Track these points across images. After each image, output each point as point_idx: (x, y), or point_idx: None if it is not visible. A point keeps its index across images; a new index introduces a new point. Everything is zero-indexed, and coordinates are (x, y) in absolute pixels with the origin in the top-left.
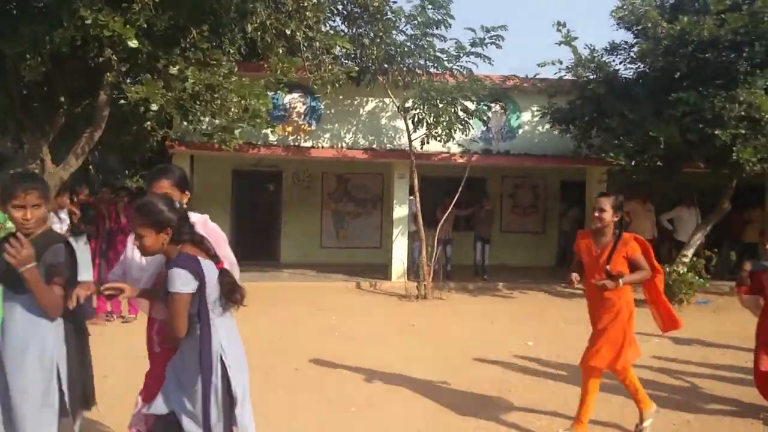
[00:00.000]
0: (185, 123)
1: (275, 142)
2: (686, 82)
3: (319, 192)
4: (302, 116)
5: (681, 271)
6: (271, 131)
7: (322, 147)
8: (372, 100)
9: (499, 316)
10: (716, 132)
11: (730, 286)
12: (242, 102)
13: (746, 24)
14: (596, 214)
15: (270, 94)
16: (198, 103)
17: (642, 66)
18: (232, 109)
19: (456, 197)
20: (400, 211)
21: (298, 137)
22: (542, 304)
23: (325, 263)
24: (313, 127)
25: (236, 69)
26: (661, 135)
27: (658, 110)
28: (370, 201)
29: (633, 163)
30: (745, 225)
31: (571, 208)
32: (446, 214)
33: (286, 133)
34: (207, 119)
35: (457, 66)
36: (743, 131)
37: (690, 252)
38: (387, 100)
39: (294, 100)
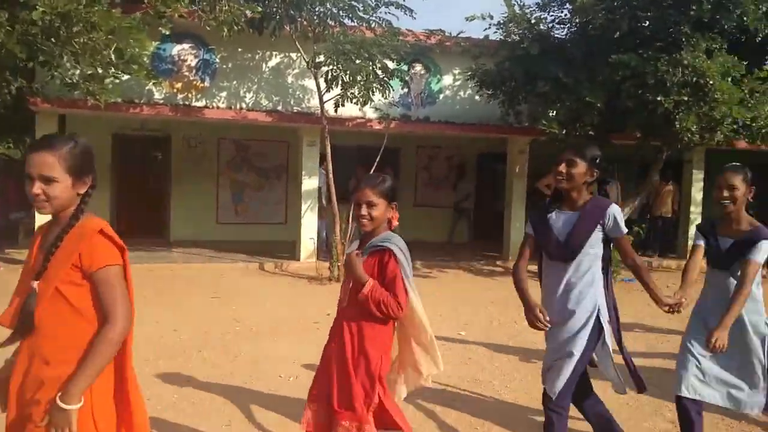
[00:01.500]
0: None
1: (161, 101)
2: (626, 43)
3: (215, 160)
4: (194, 71)
5: None
6: (156, 87)
7: (218, 107)
8: (277, 55)
9: (422, 299)
10: (658, 98)
11: (649, 261)
12: (113, 42)
13: None
14: (725, 193)
15: (155, 44)
16: (53, 41)
17: (577, 24)
18: (103, 52)
19: (373, 168)
20: (310, 183)
21: (189, 96)
22: (464, 284)
23: (222, 241)
24: (206, 84)
25: None
26: (597, 101)
27: (595, 74)
28: (274, 171)
29: (564, 132)
30: (655, 199)
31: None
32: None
33: (175, 91)
34: (69, 65)
35: (375, 18)
36: (686, 98)
37: None
38: (294, 55)
39: (184, 52)
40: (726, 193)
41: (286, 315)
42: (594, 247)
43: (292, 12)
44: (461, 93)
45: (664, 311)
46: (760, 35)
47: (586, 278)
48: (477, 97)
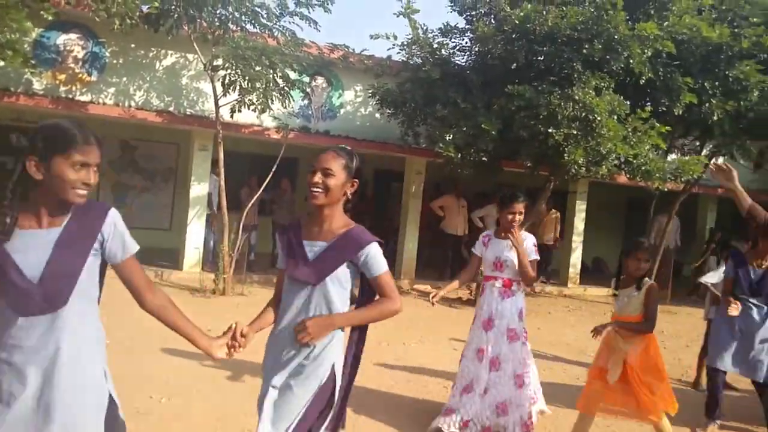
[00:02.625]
0: None
1: (41, 92)
2: (522, 74)
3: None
4: (80, 63)
5: None
6: (35, 76)
7: (105, 104)
8: (172, 54)
9: None
10: (550, 130)
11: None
12: None
13: (587, 20)
14: None
15: (38, 30)
16: None
17: (477, 52)
18: None
19: (268, 178)
20: (199, 189)
21: (73, 89)
22: None
23: None
24: (93, 78)
25: None
26: (492, 128)
27: (492, 102)
28: (161, 174)
29: (459, 156)
30: (540, 226)
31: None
32: (255, 197)
33: (57, 83)
34: None
35: (278, 26)
36: (575, 132)
37: None
38: (191, 56)
39: (70, 42)
40: None
41: (162, 330)
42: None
43: (191, 11)
44: (362, 109)
45: None
46: (644, 78)
47: None
48: (377, 115)
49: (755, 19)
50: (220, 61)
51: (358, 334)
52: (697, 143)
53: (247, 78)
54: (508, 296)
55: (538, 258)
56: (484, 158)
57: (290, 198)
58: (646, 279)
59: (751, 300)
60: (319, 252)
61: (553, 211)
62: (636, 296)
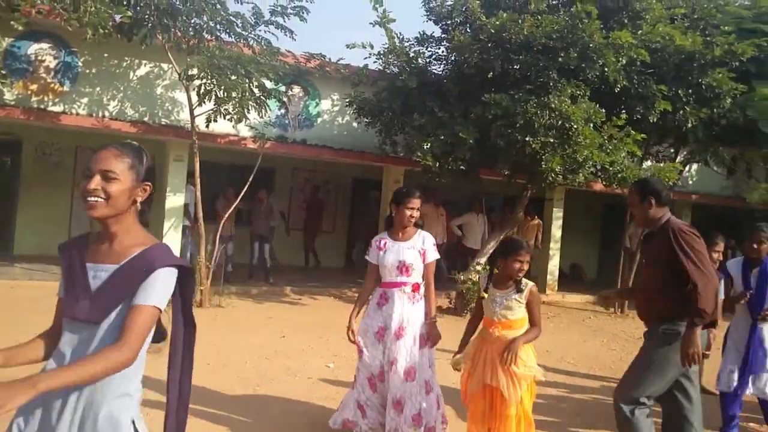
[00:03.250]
0: None
1: (12, 102)
2: (499, 83)
3: (71, 170)
4: (52, 73)
5: (474, 280)
6: (6, 87)
7: (78, 114)
8: (147, 64)
9: (290, 327)
10: (527, 139)
11: None
12: None
13: (562, 29)
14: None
15: (8, 40)
16: None
17: (453, 61)
18: None
19: (245, 189)
20: (175, 200)
21: (46, 99)
22: (335, 312)
23: None
24: (66, 88)
25: None
26: (470, 137)
27: (469, 111)
28: None
29: (437, 165)
30: (520, 233)
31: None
32: (232, 208)
33: (29, 93)
34: None
35: (253, 35)
36: (552, 140)
37: (483, 260)
38: (166, 66)
39: (42, 52)
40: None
41: None
42: None
43: (165, 21)
44: (339, 118)
45: None
46: (619, 86)
47: None
48: (355, 124)
49: (727, 28)
50: (195, 71)
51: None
52: (672, 150)
53: (222, 87)
54: (417, 301)
55: (438, 257)
56: (461, 167)
57: (268, 208)
58: (526, 280)
59: None
60: (104, 279)
61: (536, 218)
62: (517, 299)
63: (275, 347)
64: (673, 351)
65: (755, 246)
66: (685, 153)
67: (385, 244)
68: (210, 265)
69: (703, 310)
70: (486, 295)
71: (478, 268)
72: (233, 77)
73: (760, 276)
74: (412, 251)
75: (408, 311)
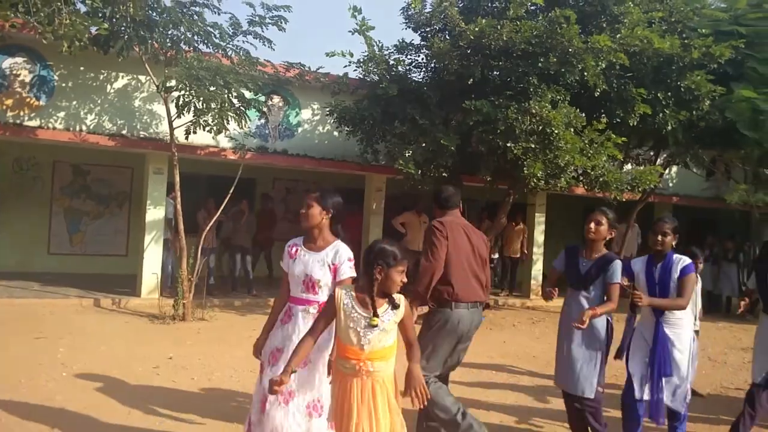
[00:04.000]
0: None
1: None
2: (479, 89)
3: (49, 184)
4: (28, 87)
5: None
6: None
7: (55, 128)
8: (124, 76)
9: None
10: (508, 144)
11: (496, 300)
12: None
13: (541, 34)
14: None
15: None
16: None
17: (433, 68)
18: None
19: (226, 200)
20: (155, 213)
21: (21, 114)
22: None
23: (55, 273)
24: (42, 103)
25: None
26: (451, 144)
27: (450, 118)
28: (116, 199)
29: (420, 173)
30: (505, 239)
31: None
32: (213, 220)
33: (4, 108)
34: None
35: (232, 46)
36: (533, 145)
37: None
38: (143, 78)
39: (16, 66)
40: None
41: (123, 359)
42: None
43: (142, 32)
44: (320, 128)
45: None
46: (598, 90)
47: None
48: (336, 133)
49: (704, 30)
50: (173, 82)
51: None
52: (652, 153)
53: (201, 98)
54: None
55: (354, 274)
56: (444, 174)
57: (249, 219)
58: (399, 295)
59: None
60: None
61: (520, 223)
62: (393, 319)
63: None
64: (434, 333)
65: (659, 238)
66: (664, 155)
67: (296, 251)
68: (192, 278)
69: (415, 290)
70: (377, 321)
71: None
72: (212, 88)
73: (663, 271)
74: (321, 265)
75: (302, 332)
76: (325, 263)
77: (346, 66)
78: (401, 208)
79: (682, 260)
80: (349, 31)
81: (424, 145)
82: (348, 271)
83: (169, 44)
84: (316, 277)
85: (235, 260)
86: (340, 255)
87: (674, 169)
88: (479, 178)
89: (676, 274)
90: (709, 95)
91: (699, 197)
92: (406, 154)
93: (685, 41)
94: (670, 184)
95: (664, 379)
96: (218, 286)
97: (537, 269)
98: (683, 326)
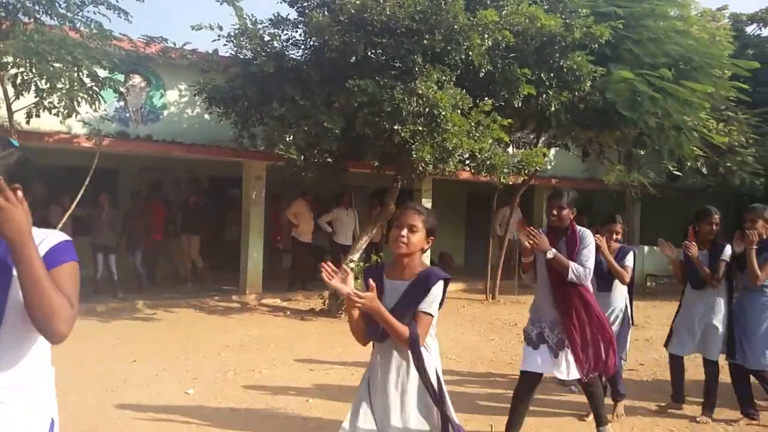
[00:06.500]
0: None
1: None
2: (363, 68)
3: None
4: None
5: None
6: None
7: None
8: None
9: (143, 349)
10: (395, 127)
11: None
12: None
13: (425, 9)
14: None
15: None
16: None
17: (313, 46)
18: None
19: (80, 192)
20: None
21: None
22: (196, 327)
23: None
24: None
25: None
26: (335, 127)
27: (332, 99)
28: None
29: (302, 158)
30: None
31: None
32: (66, 216)
33: None
34: None
35: (80, 17)
36: (421, 128)
37: (356, 257)
38: None
39: None
40: None
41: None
42: None
43: None
44: (189, 110)
45: None
46: (483, 71)
47: None
48: (207, 116)
49: (583, 11)
50: (10, 58)
51: None
52: (532, 136)
53: (44, 77)
54: None
55: None
56: (328, 159)
57: (111, 215)
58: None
59: None
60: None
61: None
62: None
63: (124, 375)
64: None
65: (554, 213)
66: (545, 138)
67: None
68: None
69: None
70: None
71: (351, 265)
72: (57, 65)
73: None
74: None
75: None
76: None
77: (214, 40)
78: (294, 197)
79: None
80: (217, 1)
81: (305, 128)
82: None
83: (3, 14)
84: None
85: (97, 260)
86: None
87: (552, 151)
88: (366, 163)
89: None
90: (590, 76)
91: (577, 179)
92: (287, 139)
93: (566, 21)
94: (549, 167)
95: None
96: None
97: (425, 254)
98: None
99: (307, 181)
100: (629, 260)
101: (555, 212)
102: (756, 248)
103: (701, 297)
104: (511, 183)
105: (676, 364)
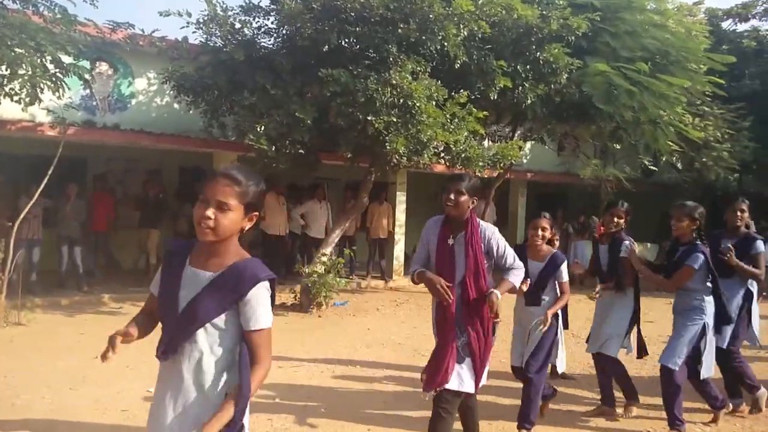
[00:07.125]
0: None
1: None
2: (336, 58)
3: None
4: None
5: (320, 272)
6: None
7: None
8: None
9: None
10: (369, 118)
11: (359, 282)
12: None
13: None
14: None
15: None
16: None
17: (285, 34)
18: None
19: (43, 183)
20: None
21: None
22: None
23: None
24: None
25: None
26: (308, 117)
27: (305, 88)
28: None
29: (274, 149)
30: (370, 220)
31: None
32: (29, 206)
33: None
34: None
35: (43, 1)
36: (395, 119)
37: (329, 250)
38: None
39: None
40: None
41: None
42: None
43: None
44: (158, 99)
45: None
46: (459, 62)
47: None
48: (176, 105)
49: (560, 2)
50: None
51: None
52: (508, 129)
53: (5, 62)
54: None
55: None
56: (300, 150)
57: (77, 205)
58: None
59: None
60: None
61: (384, 202)
62: None
63: (84, 372)
64: None
65: (452, 198)
66: (520, 131)
67: None
68: (3, 276)
69: None
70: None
71: (324, 259)
72: (18, 50)
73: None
74: None
75: None
76: None
77: (183, 27)
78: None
79: None
80: None
81: (277, 118)
82: None
83: None
84: None
85: (62, 252)
86: None
87: (528, 144)
88: (339, 155)
89: None
90: (566, 68)
91: (552, 173)
92: (258, 129)
93: (543, 12)
94: (524, 161)
95: None
96: (41, 282)
97: (399, 249)
98: None
99: (278, 172)
100: (565, 271)
101: (452, 197)
102: (685, 248)
103: (610, 295)
104: (486, 176)
105: (596, 364)
